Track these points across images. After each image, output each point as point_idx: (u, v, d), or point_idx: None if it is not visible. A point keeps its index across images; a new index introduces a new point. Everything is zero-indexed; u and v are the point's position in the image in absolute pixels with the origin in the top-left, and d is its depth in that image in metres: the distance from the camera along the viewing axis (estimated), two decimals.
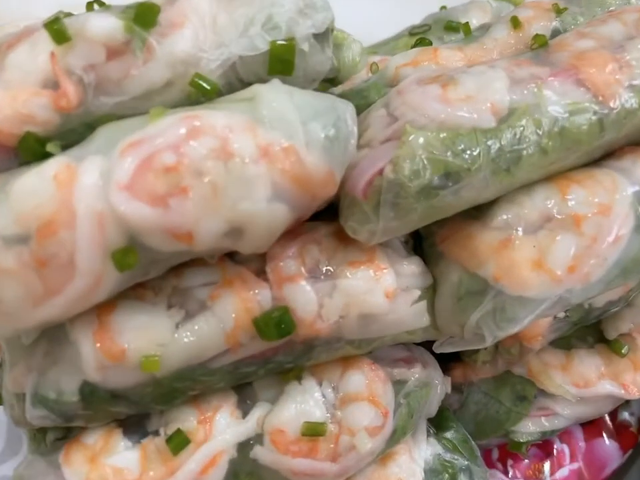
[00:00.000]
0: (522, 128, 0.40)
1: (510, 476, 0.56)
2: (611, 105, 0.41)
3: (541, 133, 0.41)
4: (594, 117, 0.41)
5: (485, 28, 0.55)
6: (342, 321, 0.42)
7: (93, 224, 0.33)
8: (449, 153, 0.39)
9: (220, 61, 0.39)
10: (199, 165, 0.34)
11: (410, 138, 0.39)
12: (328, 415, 0.43)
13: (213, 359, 0.40)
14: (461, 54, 0.52)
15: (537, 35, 0.47)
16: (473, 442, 0.53)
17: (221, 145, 0.35)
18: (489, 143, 0.40)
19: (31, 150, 0.37)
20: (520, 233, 0.42)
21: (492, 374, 0.55)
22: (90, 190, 0.33)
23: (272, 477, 0.42)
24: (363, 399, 0.44)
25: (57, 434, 0.46)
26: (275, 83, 0.39)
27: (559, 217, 0.42)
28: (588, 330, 0.56)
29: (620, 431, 0.58)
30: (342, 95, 0.54)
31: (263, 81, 0.41)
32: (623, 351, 0.53)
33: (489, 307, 0.43)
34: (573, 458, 0.57)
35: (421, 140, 0.39)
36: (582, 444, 0.57)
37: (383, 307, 0.43)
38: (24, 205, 0.34)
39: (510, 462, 0.57)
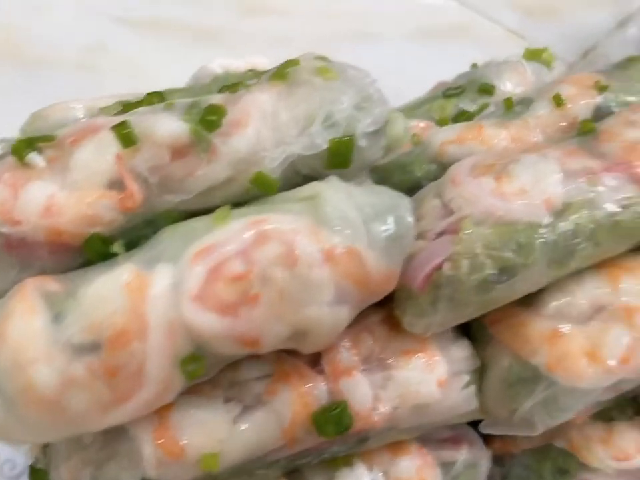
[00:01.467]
0: (577, 223, 0.41)
1: None
2: None
3: (594, 227, 0.41)
4: None
5: (525, 103, 0.55)
6: (396, 411, 0.42)
7: (164, 334, 0.34)
8: (505, 249, 0.40)
9: (281, 159, 0.39)
10: (267, 271, 0.35)
11: (467, 233, 0.40)
12: None
13: (269, 453, 0.40)
14: (505, 132, 0.52)
15: (583, 122, 0.48)
16: None
17: (287, 250, 0.36)
18: (545, 238, 0.40)
19: (96, 251, 0.37)
20: (572, 324, 0.43)
21: (532, 446, 0.55)
22: (161, 300, 0.34)
23: None
24: None
25: None
26: (334, 181, 0.40)
27: (611, 307, 0.43)
28: (627, 402, 0.56)
29: None
30: (385, 169, 0.55)
31: (320, 173, 0.41)
32: None
33: (541, 396, 0.43)
34: None
35: (478, 236, 0.40)
36: None
37: (436, 396, 0.43)
38: (96, 313, 0.34)
39: None
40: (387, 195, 0.41)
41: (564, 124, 0.52)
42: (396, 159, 0.56)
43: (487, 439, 0.55)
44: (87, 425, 0.35)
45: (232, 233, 0.36)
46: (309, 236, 0.36)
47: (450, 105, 0.63)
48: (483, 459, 0.50)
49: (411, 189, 0.52)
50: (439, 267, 0.40)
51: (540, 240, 0.40)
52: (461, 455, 0.48)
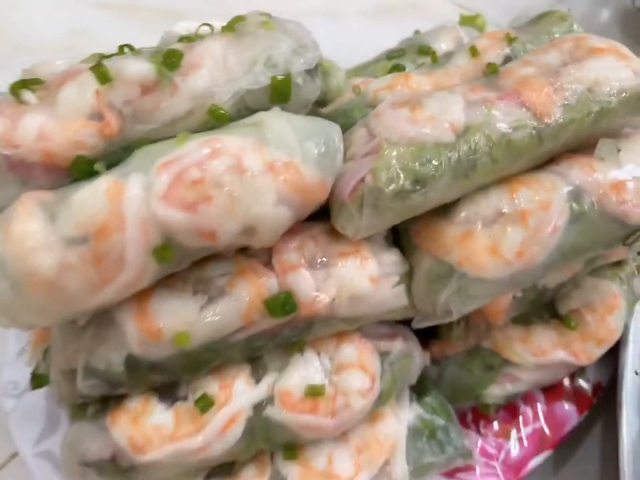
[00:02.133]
0: (476, 142, 0.50)
1: (482, 435, 0.66)
2: (547, 121, 0.51)
3: (491, 145, 0.50)
4: (533, 131, 0.51)
5: (448, 55, 0.65)
6: (335, 302, 0.51)
7: (138, 227, 0.42)
8: (417, 164, 0.49)
9: (230, 94, 0.48)
10: (219, 178, 0.44)
11: (385, 152, 0.49)
12: (326, 380, 0.53)
13: (231, 334, 0.49)
14: (429, 79, 0.62)
15: (489, 64, 0.57)
16: (449, 405, 0.63)
17: (236, 162, 0.45)
18: (449, 154, 0.50)
19: (81, 170, 0.46)
20: (478, 227, 0.52)
21: (464, 348, 0.65)
22: (135, 201, 0.43)
23: (281, 431, 0.52)
24: (354, 367, 0.54)
25: (95, 408, 0.55)
26: (275, 110, 0.49)
27: (509, 212, 0.52)
28: (543, 308, 0.65)
29: (576, 396, 0.67)
30: (329, 116, 0.63)
31: (266, 108, 0.50)
32: (572, 325, 0.63)
33: (454, 287, 0.52)
34: (535, 419, 0.66)
35: (394, 153, 0.49)
36: (543, 407, 0.67)
37: (368, 289, 0.52)
38: (83, 214, 0.43)
39: (482, 423, 0.66)
40: (319, 122, 0.50)
41: (478, 72, 0.61)
42: (340, 107, 0.65)
43: (427, 345, 0.65)
44: (79, 304, 0.44)
45: (190, 149, 0.45)
46: (253, 152, 0.45)
47: (391, 65, 0.72)
48: (416, 351, 0.59)
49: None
50: (362, 181, 0.49)
51: (445, 156, 0.49)
52: (397, 346, 0.57)
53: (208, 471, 0.55)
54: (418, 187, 0.49)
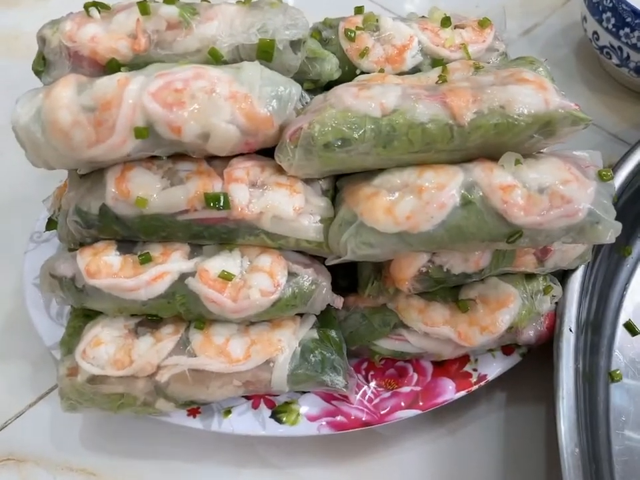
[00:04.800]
0: (396, 122, 0.64)
1: (367, 381, 0.77)
2: (459, 121, 0.64)
3: (408, 128, 0.64)
4: (446, 126, 0.64)
5: (427, 70, 0.79)
6: (261, 215, 0.67)
7: (129, 108, 0.61)
8: (346, 126, 0.64)
9: (229, 43, 0.67)
10: (194, 92, 0.61)
11: (326, 113, 0.64)
12: (240, 274, 0.68)
13: (177, 213, 0.66)
14: (400, 80, 0.76)
15: (440, 75, 0.71)
16: (344, 344, 0.75)
17: (210, 85, 0.62)
18: (373, 125, 0.64)
19: (112, 68, 0.66)
20: (385, 190, 0.66)
21: (372, 305, 0.77)
22: (133, 90, 0.61)
23: (194, 298, 0.67)
24: (264, 272, 0.68)
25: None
26: (256, 62, 0.66)
27: (411, 185, 0.65)
28: (449, 292, 0.76)
29: (460, 378, 0.77)
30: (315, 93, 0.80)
31: (253, 60, 0.68)
32: (464, 309, 0.74)
33: (353, 231, 0.66)
34: (417, 384, 0.77)
35: (331, 114, 0.64)
36: (428, 377, 0.77)
37: (289, 215, 0.67)
38: (98, 90, 0.62)
39: (371, 373, 0.78)
40: (286, 79, 0.67)
41: None
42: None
43: (345, 295, 0.78)
44: (80, 153, 0.63)
45: (183, 69, 0.63)
46: (226, 83, 0.63)
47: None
48: (325, 284, 0.72)
49: None
50: (302, 128, 0.65)
51: (370, 126, 0.64)
52: (307, 272, 0.71)
53: (139, 320, 0.72)
54: (343, 145, 0.64)
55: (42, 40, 0.67)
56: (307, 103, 0.77)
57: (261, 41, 0.66)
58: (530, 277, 0.77)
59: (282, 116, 0.65)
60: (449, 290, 0.76)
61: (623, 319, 0.84)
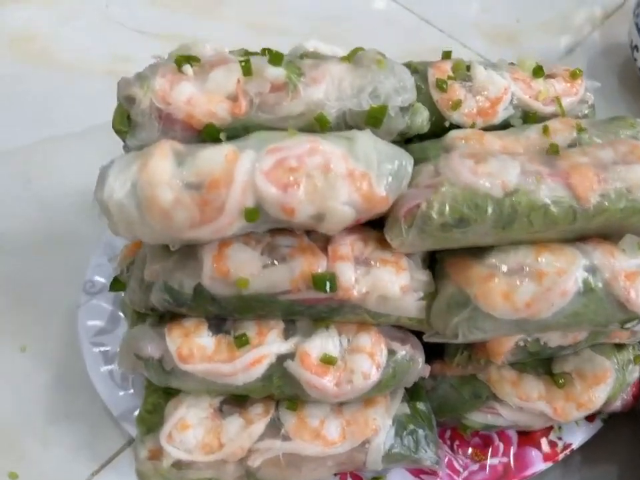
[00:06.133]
0: (519, 202, 0.60)
1: (453, 451, 0.75)
2: (583, 204, 0.60)
3: (530, 209, 0.60)
4: (570, 209, 0.60)
5: (524, 127, 0.75)
6: (367, 295, 0.62)
7: (241, 189, 0.55)
8: (465, 206, 0.60)
9: (336, 109, 0.61)
10: (310, 171, 0.56)
11: (443, 188, 0.60)
12: (340, 355, 0.64)
13: (279, 293, 0.61)
14: (499, 141, 0.72)
15: (552, 144, 0.67)
16: (433, 416, 0.72)
17: (326, 162, 0.57)
18: (495, 206, 0.60)
19: (209, 134, 0.59)
20: (500, 273, 0.62)
21: (461, 374, 0.74)
22: (244, 169, 0.55)
23: (293, 383, 0.63)
24: (365, 353, 0.64)
25: (153, 320, 0.68)
26: (367, 132, 0.60)
27: (529, 269, 0.62)
28: (540, 363, 0.74)
29: (546, 447, 0.75)
30: (410, 149, 0.75)
31: (360, 127, 0.62)
32: (560, 383, 0.71)
33: (466, 315, 0.62)
34: (504, 454, 0.75)
35: (450, 192, 0.60)
36: (515, 447, 0.75)
37: (395, 294, 0.63)
38: (204, 167, 0.56)
39: (457, 442, 0.75)
40: (398, 150, 0.61)
41: (544, 147, 0.71)
42: (421, 144, 0.76)
43: (431, 361, 0.75)
44: (180, 233, 0.57)
45: (295, 143, 0.57)
46: (341, 158, 0.57)
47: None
48: (420, 359, 0.68)
49: None
50: (418, 206, 0.60)
51: (491, 207, 0.60)
52: (405, 349, 0.67)
53: (224, 398, 0.67)
54: (460, 225, 0.60)
55: (129, 99, 0.60)
56: None
57: (372, 107, 0.61)
58: (620, 346, 0.75)
59: (397, 193, 0.60)
60: (540, 360, 0.74)
61: None
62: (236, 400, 0.67)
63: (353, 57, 0.63)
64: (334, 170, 0.56)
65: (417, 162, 0.71)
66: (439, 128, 0.76)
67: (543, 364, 0.74)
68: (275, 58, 0.60)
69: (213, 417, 0.66)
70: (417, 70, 0.78)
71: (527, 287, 0.61)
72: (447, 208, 0.59)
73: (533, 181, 0.61)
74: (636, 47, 1.19)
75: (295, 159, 0.56)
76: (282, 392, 0.64)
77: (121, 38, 1.27)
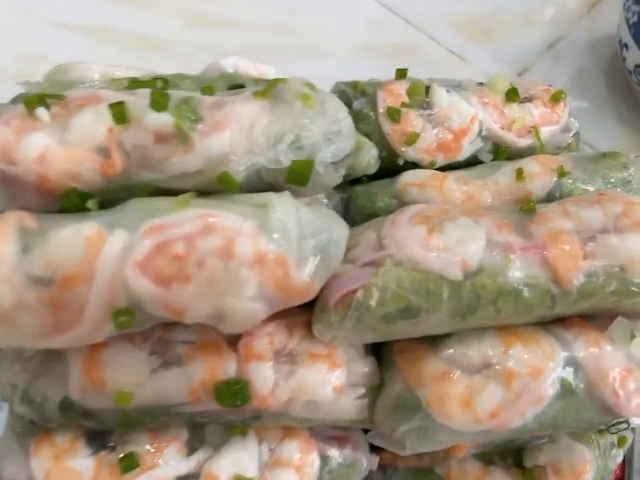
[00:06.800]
0: (483, 287, 0.47)
1: None
2: (565, 287, 0.47)
3: (497, 295, 0.47)
4: (547, 294, 0.47)
5: (495, 167, 0.61)
6: (290, 402, 0.49)
7: (106, 286, 0.40)
8: (414, 293, 0.46)
9: (246, 165, 0.46)
10: (203, 258, 0.41)
11: (386, 271, 0.46)
12: (258, 472, 0.51)
13: (174, 405, 0.47)
14: (465, 188, 0.58)
15: (527, 201, 0.53)
16: None
17: (226, 245, 0.42)
18: (451, 292, 0.46)
19: (72, 203, 0.44)
20: (459, 371, 0.49)
21: (416, 465, 0.62)
22: (111, 259, 0.40)
23: None
24: (291, 466, 0.51)
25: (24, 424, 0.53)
26: (286, 196, 0.46)
27: (496, 367, 0.49)
28: (510, 452, 0.62)
29: None
30: (354, 194, 0.61)
31: (280, 184, 0.48)
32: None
33: (416, 424, 0.49)
34: None
35: (394, 275, 0.46)
36: None
37: (328, 398, 0.49)
38: (56, 255, 0.41)
39: None
40: (328, 220, 0.47)
41: (518, 196, 0.58)
42: (367, 187, 0.62)
43: (381, 449, 0.62)
44: (29, 342, 0.42)
45: (184, 219, 0.42)
46: (248, 238, 0.43)
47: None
48: (364, 459, 0.56)
49: (369, 215, 0.58)
50: (354, 292, 0.46)
51: (446, 293, 0.46)
52: (344, 452, 0.54)
53: None
54: (408, 316, 0.46)
55: None
56: (334, 207, 0.58)
57: (294, 163, 0.46)
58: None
59: (326, 276, 0.46)
60: (510, 450, 0.62)
61: None
62: None
63: (271, 91, 0.48)
64: (237, 255, 0.42)
65: (361, 212, 0.58)
66: (391, 166, 0.62)
67: (513, 454, 0.62)
68: (158, 100, 0.44)
69: None
70: (365, 93, 0.64)
71: (492, 392, 0.48)
72: (389, 295, 0.46)
73: (502, 258, 0.47)
74: (625, 44, 1.05)
75: (182, 242, 0.41)
76: None
77: (34, 32, 1.07)
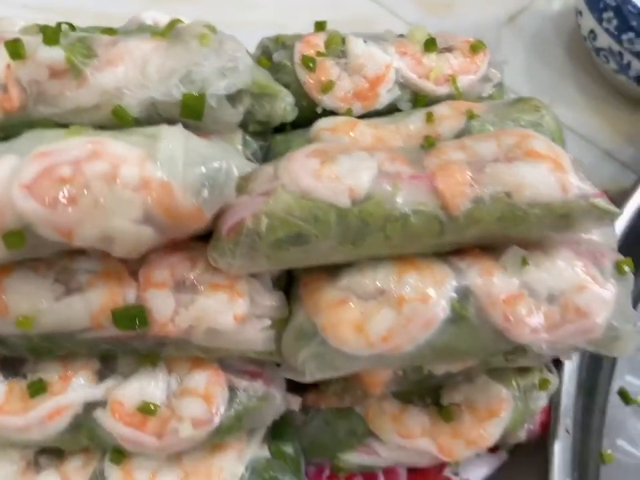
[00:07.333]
0: (370, 214, 0.48)
1: None
2: (452, 213, 0.48)
3: (385, 222, 0.48)
4: (435, 219, 0.49)
5: (407, 114, 0.62)
6: (191, 329, 0.51)
7: None
8: (303, 220, 0.48)
9: (139, 100, 0.48)
10: (88, 182, 0.44)
11: (275, 199, 0.48)
12: (165, 400, 0.53)
13: (78, 331, 0.50)
14: (374, 131, 0.59)
15: (426, 136, 0.55)
16: (302, 458, 0.62)
17: (111, 170, 0.44)
18: (339, 219, 0.48)
19: None
20: (354, 297, 0.50)
21: (337, 405, 0.63)
22: (1, 180, 0.43)
23: (106, 436, 0.52)
24: (198, 395, 0.53)
25: None
26: (177, 128, 0.48)
27: (390, 293, 0.50)
28: (427, 391, 0.63)
29: None
30: (273, 142, 0.63)
31: (177, 119, 0.50)
32: (447, 418, 0.61)
33: (313, 350, 0.51)
34: None
35: (284, 203, 0.48)
36: None
37: (229, 326, 0.51)
38: None
39: None
40: (220, 150, 0.49)
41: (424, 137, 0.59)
42: (287, 135, 0.64)
43: (304, 391, 0.64)
44: None
45: (73, 145, 0.45)
46: (134, 164, 0.45)
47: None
48: (278, 394, 0.57)
49: None
50: (245, 220, 0.48)
51: (335, 220, 0.48)
52: (254, 386, 0.56)
53: (40, 448, 0.56)
54: (298, 242, 0.48)
55: None
56: (252, 154, 0.60)
57: (185, 96, 0.48)
58: (524, 369, 0.64)
59: (216, 205, 0.48)
60: (428, 389, 0.63)
61: None
62: (54, 451, 0.56)
63: (169, 32, 0.50)
64: (122, 179, 0.44)
65: (276, 157, 0.59)
66: (310, 115, 0.64)
67: (431, 393, 0.63)
68: (50, 36, 0.46)
69: (25, 472, 0.55)
70: (285, 44, 0.65)
71: (383, 317, 0.49)
72: (278, 222, 0.47)
73: (390, 186, 0.49)
74: (580, 12, 1.06)
75: (68, 166, 0.44)
76: (97, 444, 0.53)
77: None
